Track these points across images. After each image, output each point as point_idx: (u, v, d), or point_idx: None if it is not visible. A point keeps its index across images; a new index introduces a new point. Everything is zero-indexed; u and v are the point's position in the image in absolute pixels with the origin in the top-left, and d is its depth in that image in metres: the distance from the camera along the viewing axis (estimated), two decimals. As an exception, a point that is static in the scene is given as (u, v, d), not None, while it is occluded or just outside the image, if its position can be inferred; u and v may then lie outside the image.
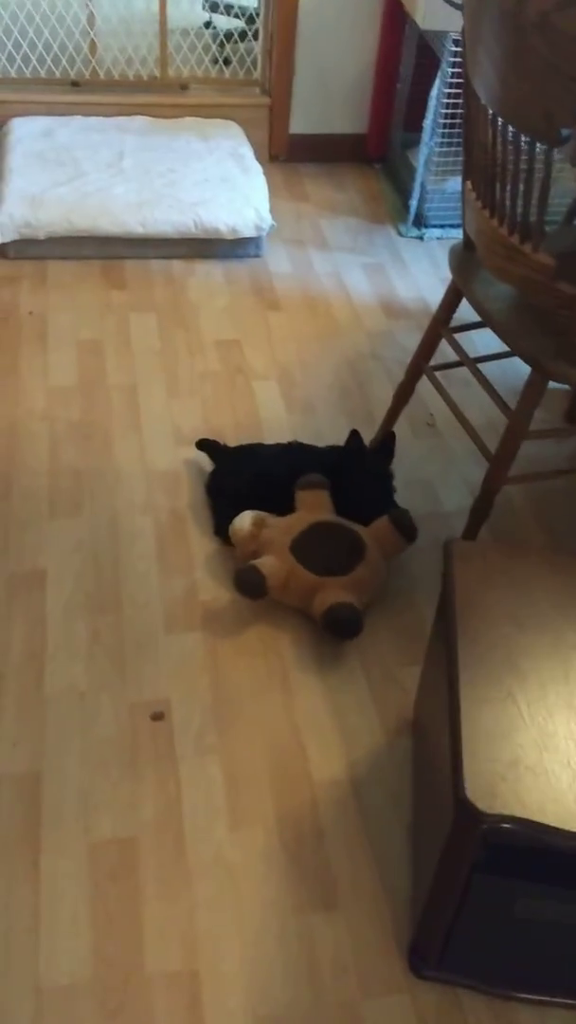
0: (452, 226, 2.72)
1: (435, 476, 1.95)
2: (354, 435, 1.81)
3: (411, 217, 2.72)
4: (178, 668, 1.53)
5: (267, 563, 1.60)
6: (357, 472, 1.80)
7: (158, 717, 1.45)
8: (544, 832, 0.98)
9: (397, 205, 2.84)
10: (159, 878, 1.28)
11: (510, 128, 1.33)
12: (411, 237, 2.71)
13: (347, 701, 1.51)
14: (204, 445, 1.88)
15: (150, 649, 1.56)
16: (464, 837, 1.04)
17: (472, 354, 1.85)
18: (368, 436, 2.04)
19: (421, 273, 2.57)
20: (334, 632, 1.55)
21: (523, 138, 1.32)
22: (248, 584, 1.58)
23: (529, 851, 1.01)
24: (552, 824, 0.98)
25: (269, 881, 1.28)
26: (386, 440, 1.84)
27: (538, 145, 1.30)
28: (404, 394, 1.92)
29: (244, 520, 1.68)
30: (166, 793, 1.36)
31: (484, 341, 2.15)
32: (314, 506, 1.72)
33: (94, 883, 1.27)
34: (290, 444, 1.89)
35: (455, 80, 2.47)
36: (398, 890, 1.28)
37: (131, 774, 1.38)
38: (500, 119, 1.35)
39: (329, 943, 1.23)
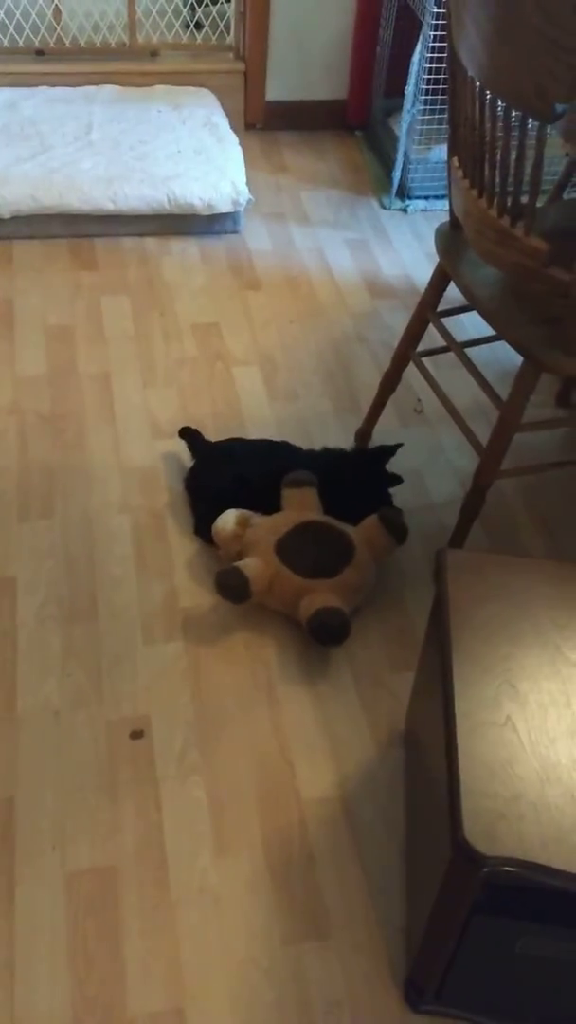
0: (437, 197, 2.61)
1: (424, 466, 1.87)
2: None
3: (394, 188, 2.60)
4: (158, 681, 1.46)
5: (251, 565, 1.53)
6: (348, 469, 1.72)
7: (137, 735, 1.38)
8: (547, 874, 0.92)
9: (379, 175, 2.72)
10: (140, 910, 1.21)
11: (499, 102, 1.23)
12: (394, 209, 2.60)
13: (336, 711, 1.44)
14: (186, 434, 1.79)
15: (128, 662, 1.49)
16: (462, 879, 0.98)
17: (462, 336, 1.77)
18: (354, 424, 1.95)
19: (405, 248, 2.47)
20: (320, 638, 1.48)
21: (513, 113, 1.22)
22: (231, 587, 1.51)
23: (531, 892, 0.95)
24: (555, 866, 0.92)
25: (257, 910, 1.22)
26: (383, 449, 1.74)
27: (530, 120, 1.21)
28: (390, 382, 1.83)
29: (228, 519, 1.60)
30: (147, 818, 1.30)
31: (474, 323, 2.06)
32: (301, 505, 1.64)
33: (72, 917, 1.20)
34: (275, 443, 1.80)
35: (437, 44, 2.34)
36: (392, 918, 1.23)
37: (110, 798, 1.32)
38: (488, 92, 1.25)
39: (320, 976, 1.17)
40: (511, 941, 1.02)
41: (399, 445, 1.74)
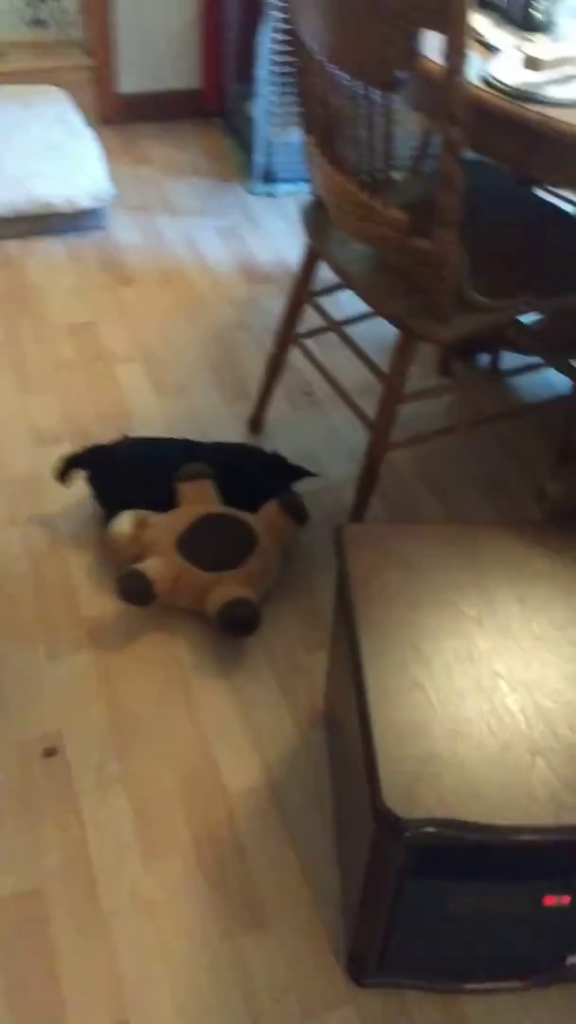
0: (303, 180, 2.62)
1: (319, 448, 1.88)
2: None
3: (258, 173, 2.60)
4: (67, 695, 1.42)
5: (152, 565, 1.50)
6: (243, 457, 1.70)
7: (51, 753, 1.34)
8: (467, 829, 0.93)
9: (242, 161, 2.71)
10: (73, 928, 1.18)
11: (344, 76, 1.24)
12: (261, 194, 2.59)
13: (255, 700, 1.44)
14: (77, 461, 1.66)
15: (33, 680, 1.44)
16: (388, 846, 0.98)
17: (342, 314, 1.77)
18: (246, 412, 1.94)
19: (277, 232, 2.46)
20: (231, 630, 1.47)
21: (359, 86, 1.23)
22: (134, 591, 1.48)
23: (456, 849, 0.96)
24: (476, 820, 0.93)
25: (192, 911, 1.21)
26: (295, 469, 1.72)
27: (377, 92, 1.21)
28: (276, 366, 1.83)
29: (123, 522, 1.57)
30: (69, 835, 1.26)
31: (353, 300, 2.08)
32: (198, 498, 1.62)
33: (1, 945, 1.16)
34: (173, 440, 1.77)
35: (283, 25, 2.34)
36: (329, 896, 1.23)
37: (28, 821, 1.28)
38: (332, 67, 1.25)
39: (264, 966, 1.16)
40: (444, 901, 1.03)
41: (310, 474, 1.72)
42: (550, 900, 1.02)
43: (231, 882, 1.23)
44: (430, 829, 0.93)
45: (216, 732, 1.39)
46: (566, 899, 1.02)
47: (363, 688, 1.04)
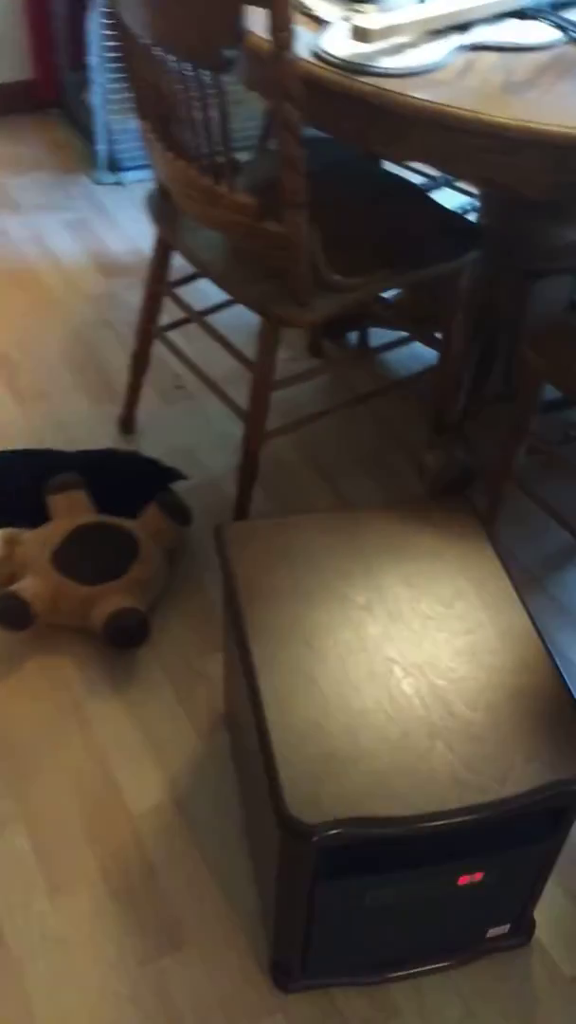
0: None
1: (196, 442, 1.83)
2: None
3: (102, 162, 2.51)
4: (-48, 732, 1.34)
5: (28, 586, 1.43)
6: (114, 462, 1.64)
7: None
8: (376, 825, 0.92)
9: (85, 151, 2.62)
10: (-18, 980, 1.12)
11: (171, 59, 1.18)
12: (109, 184, 2.50)
13: (152, 712, 1.39)
14: None
15: None
16: (296, 853, 0.96)
17: (205, 303, 1.72)
18: (114, 413, 1.87)
19: (129, 221, 2.38)
20: (120, 643, 1.41)
21: (188, 68, 1.17)
22: (9, 614, 1.40)
23: (366, 845, 0.95)
24: (382, 815, 0.92)
25: (106, 940, 1.16)
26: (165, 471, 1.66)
27: (207, 73, 1.16)
28: (141, 362, 1.77)
29: (-9, 542, 1.49)
30: (-32, 882, 1.19)
31: (215, 288, 2.02)
32: (71, 509, 1.55)
33: None
34: (38, 450, 1.69)
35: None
36: (247, 906, 1.20)
37: None
38: (158, 51, 1.20)
39: (187, 986, 1.12)
40: (360, 897, 1.01)
41: (181, 477, 1.67)
42: (464, 879, 1.02)
43: (144, 905, 1.19)
44: (337, 831, 0.91)
45: (114, 752, 1.34)
46: (479, 875, 1.02)
47: (257, 693, 1.01)
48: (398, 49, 1.14)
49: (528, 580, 1.60)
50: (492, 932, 1.14)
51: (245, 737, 1.15)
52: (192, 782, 1.31)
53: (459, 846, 0.99)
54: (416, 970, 1.13)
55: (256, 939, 1.16)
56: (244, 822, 1.26)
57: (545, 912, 1.19)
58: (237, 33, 1.07)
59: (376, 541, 1.18)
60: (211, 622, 1.51)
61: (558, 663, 1.06)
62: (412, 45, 1.14)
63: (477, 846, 1.00)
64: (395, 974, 1.12)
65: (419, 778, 0.94)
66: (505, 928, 1.14)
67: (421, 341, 1.74)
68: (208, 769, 1.32)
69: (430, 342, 1.72)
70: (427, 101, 1.07)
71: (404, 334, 1.73)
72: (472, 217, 1.86)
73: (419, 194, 1.59)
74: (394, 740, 0.97)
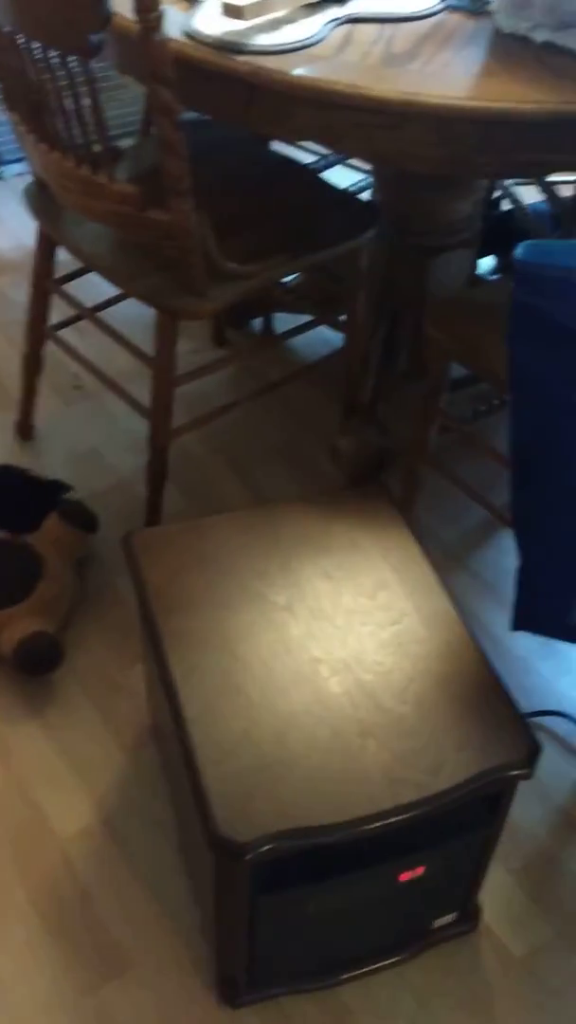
0: (36, 157, 2.44)
1: (101, 443, 1.76)
2: None
3: (-16, 157, 2.40)
4: None
5: None
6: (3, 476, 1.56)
7: None
8: (311, 834, 0.88)
9: (-34, 146, 2.50)
10: None
11: (37, 47, 1.11)
12: (-9, 179, 2.40)
13: (74, 734, 1.33)
14: None
15: None
16: (230, 872, 0.92)
17: (97, 298, 1.65)
18: (11, 419, 1.79)
19: (12, 216, 2.28)
20: (33, 669, 1.34)
21: (55, 55, 1.11)
22: None
23: (303, 855, 0.91)
24: (317, 823, 0.89)
25: (45, 974, 1.10)
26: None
27: (75, 60, 1.10)
28: (33, 364, 1.69)
29: None
30: None
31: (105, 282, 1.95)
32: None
33: None
34: None
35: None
36: (188, 922, 1.16)
37: None
38: (22, 39, 1.13)
39: (132, 1011, 1.08)
40: (302, 906, 0.98)
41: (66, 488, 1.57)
42: (406, 876, 1.00)
43: (81, 933, 1.14)
44: (270, 845, 0.88)
45: (36, 779, 1.28)
46: (420, 870, 1.00)
47: (178, 709, 0.97)
48: (274, 25, 1.09)
49: (450, 559, 1.59)
50: (438, 922, 1.12)
51: (171, 751, 1.11)
52: (121, 801, 1.26)
53: (398, 844, 0.97)
54: (365, 969, 1.11)
55: (200, 956, 1.13)
56: (179, 837, 1.22)
57: (489, 895, 1.18)
58: (102, 16, 1.01)
59: (293, 536, 1.15)
60: (130, 632, 1.46)
61: (483, 645, 1.05)
62: (288, 20, 1.10)
63: (416, 842, 0.98)
64: (344, 976, 1.10)
65: (352, 780, 0.92)
66: (451, 917, 1.13)
67: (326, 324, 1.70)
68: (137, 786, 1.27)
69: (335, 324, 1.69)
70: (307, 78, 1.03)
71: (309, 318, 1.69)
72: (367, 195, 1.83)
73: (311, 174, 1.55)
74: (325, 743, 0.94)
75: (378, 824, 0.89)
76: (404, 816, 0.90)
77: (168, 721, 1.03)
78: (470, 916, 1.15)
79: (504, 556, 1.60)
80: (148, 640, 1.08)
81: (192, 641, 1.03)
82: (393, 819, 0.90)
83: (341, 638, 1.03)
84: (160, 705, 1.13)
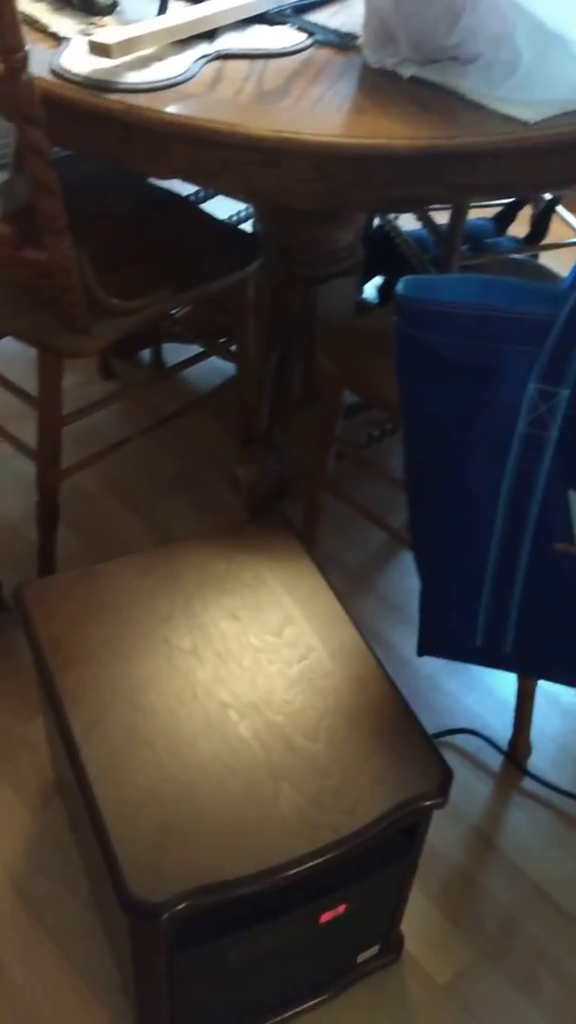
0: None
1: (-14, 486, 1.70)
2: None
3: None
4: None
5: None
6: None
7: None
8: (227, 888, 0.86)
9: None
10: None
11: None
12: None
13: (-24, 792, 1.27)
14: None
15: None
16: (145, 934, 0.89)
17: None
18: None
19: None
20: None
21: None
22: None
23: (220, 910, 0.89)
24: (232, 876, 0.87)
25: (-43, 1060, 1.05)
26: None
27: None
28: None
29: None
30: None
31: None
32: None
33: None
34: None
35: None
36: (107, 982, 1.12)
37: None
38: None
39: None
40: (223, 958, 0.96)
41: None
42: (326, 916, 0.99)
43: (-5, 1010, 1.09)
44: (185, 903, 0.85)
45: None
46: (341, 908, 0.99)
47: (81, 768, 0.93)
48: (143, 63, 1.08)
49: (354, 583, 1.60)
50: (362, 957, 1.12)
51: (78, 813, 1.07)
52: (29, 861, 1.21)
53: (317, 886, 0.96)
54: (291, 1012, 1.09)
55: (122, 1016, 1.09)
56: (91, 895, 1.18)
57: (410, 922, 1.18)
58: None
59: (196, 576, 1.13)
60: (29, 683, 1.41)
61: (391, 670, 1.05)
62: (157, 57, 1.09)
63: (336, 881, 0.97)
64: (270, 1021, 1.08)
65: (267, 828, 0.90)
66: (375, 950, 1.12)
67: (216, 354, 1.69)
68: (45, 844, 1.23)
69: (226, 354, 1.68)
70: (183, 116, 1.02)
71: (200, 348, 1.68)
72: (249, 224, 1.84)
73: (191, 206, 1.54)
74: (237, 792, 0.92)
75: (295, 871, 0.88)
76: (321, 859, 0.89)
77: (72, 780, 0.99)
78: (393, 947, 1.14)
79: (408, 576, 1.61)
80: (46, 697, 1.04)
81: (93, 695, 0.99)
82: (310, 864, 0.88)
83: (249, 679, 1.02)
84: (63, 762, 1.09)
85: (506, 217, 1.91)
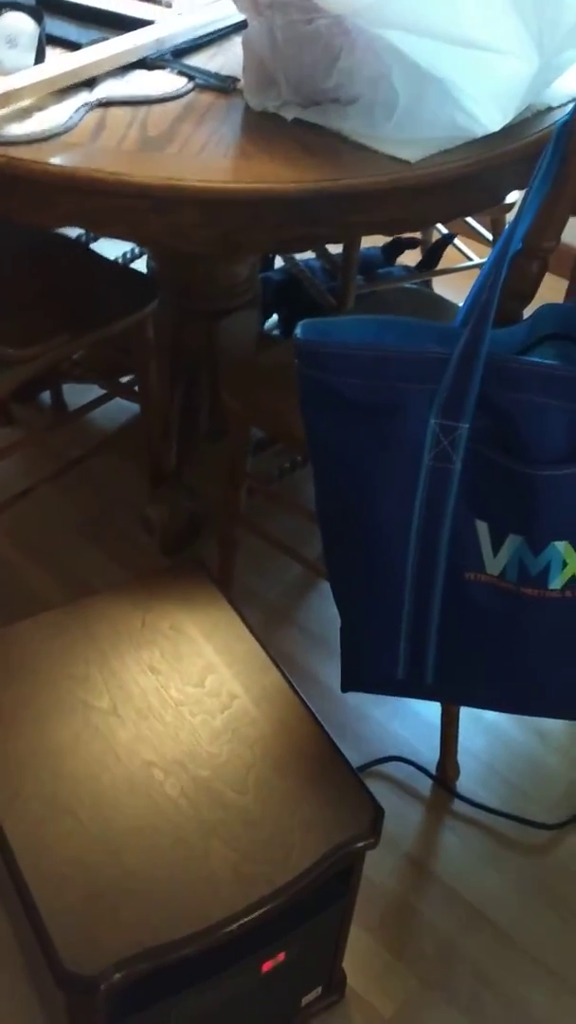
0: None
1: None
2: None
3: None
4: None
5: None
6: None
7: None
8: (163, 952, 0.84)
9: None
10: None
11: None
12: None
13: None
14: None
15: None
16: (83, 1006, 0.86)
17: None
18: None
19: None
20: None
21: None
22: None
23: (158, 973, 0.87)
24: (167, 940, 0.85)
25: None
26: None
27: None
28: None
29: None
30: None
31: None
32: None
33: None
34: None
35: None
36: (47, 1057, 1.08)
37: None
38: None
39: None
40: (164, 1019, 0.94)
41: None
42: (267, 966, 0.98)
43: None
44: (121, 972, 0.83)
45: None
46: (281, 956, 0.98)
47: (4, 841, 0.90)
48: (23, 114, 1.06)
49: (275, 617, 1.59)
50: (306, 999, 1.10)
51: (4, 882, 1.03)
52: (-41, 939, 1.16)
53: (256, 937, 0.94)
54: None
55: None
56: (27, 966, 1.14)
57: (351, 958, 1.17)
58: None
59: (110, 631, 1.10)
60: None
61: (316, 707, 1.04)
62: (37, 108, 1.07)
63: (274, 931, 0.95)
64: None
65: (201, 886, 0.88)
66: (318, 991, 1.11)
67: (119, 395, 1.67)
68: (-25, 918, 1.18)
69: (130, 394, 1.66)
70: (68, 167, 1.01)
71: (102, 389, 1.66)
72: (142, 262, 1.83)
73: (83, 248, 1.52)
74: (167, 853, 0.90)
75: (232, 927, 0.87)
76: (258, 913, 0.88)
77: (-3, 854, 0.96)
78: (336, 986, 1.14)
79: (328, 606, 1.61)
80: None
81: (10, 765, 0.96)
82: (247, 919, 0.87)
83: (173, 735, 1.00)
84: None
85: (395, 247, 1.95)
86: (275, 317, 1.92)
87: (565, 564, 0.93)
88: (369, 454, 0.97)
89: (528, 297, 0.98)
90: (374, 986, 1.16)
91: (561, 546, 0.92)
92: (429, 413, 0.92)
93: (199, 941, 0.85)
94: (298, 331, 0.92)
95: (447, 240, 1.95)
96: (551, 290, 1.00)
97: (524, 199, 0.90)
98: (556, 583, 0.93)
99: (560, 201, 0.90)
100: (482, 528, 0.96)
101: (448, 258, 2.05)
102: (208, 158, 1.05)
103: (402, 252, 1.96)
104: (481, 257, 2.12)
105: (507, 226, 0.93)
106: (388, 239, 1.95)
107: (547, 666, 1.00)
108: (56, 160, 1.02)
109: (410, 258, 2.02)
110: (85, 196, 1.04)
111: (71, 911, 0.86)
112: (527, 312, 1.00)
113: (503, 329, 0.93)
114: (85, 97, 1.11)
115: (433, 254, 1.94)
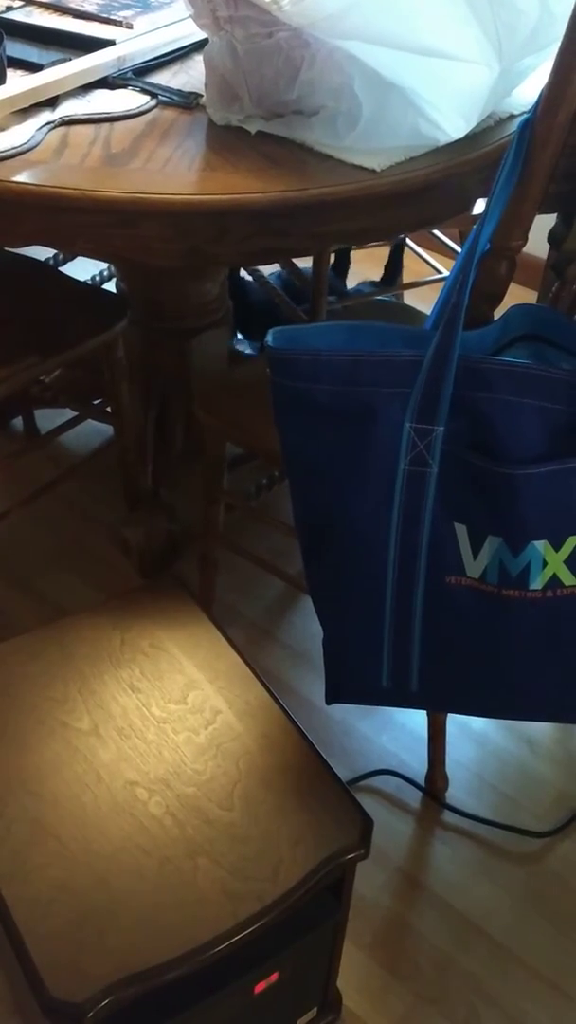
0: None
1: None
2: None
3: None
4: None
5: None
6: None
7: None
8: (152, 976, 0.82)
9: None
10: None
11: None
12: None
13: None
14: None
15: None
16: (72, 1039, 0.84)
17: None
18: None
19: None
20: None
21: None
22: None
23: (149, 996, 0.85)
24: (155, 963, 0.83)
25: None
26: None
27: None
28: None
29: None
30: None
31: None
32: None
33: None
34: None
35: None
36: None
37: None
38: None
39: None
40: (157, 1051, 0.91)
41: None
42: (260, 986, 0.95)
43: None
44: (110, 998, 0.80)
45: None
46: (274, 977, 0.96)
47: (-14, 870, 0.88)
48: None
49: (258, 634, 1.58)
50: (301, 1021, 1.08)
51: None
52: (-58, 976, 1.13)
53: (247, 957, 0.92)
54: None
55: None
56: (12, 995, 1.11)
57: (346, 976, 1.15)
58: None
59: (89, 652, 1.09)
60: None
61: (301, 722, 1.03)
62: None
63: (266, 950, 0.93)
64: None
65: (189, 906, 0.86)
66: (313, 1012, 1.09)
67: (91, 417, 1.66)
68: (-42, 954, 1.15)
69: (103, 416, 1.65)
70: (28, 184, 1.00)
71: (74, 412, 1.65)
72: (112, 283, 1.82)
73: (50, 270, 1.52)
74: (153, 873, 0.88)
75: (222, 947, 0.84)
76: (248, 931, 0.86)
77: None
78: (332, 1006, 1.11)
79: (310, 621, 1.60)
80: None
81: (-8, 790, 0.94)
82: (237, 937, 0.85)
83: (156, 753, 0.98)
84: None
85: (340, 261, 1.93)
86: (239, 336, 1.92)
87: (545, 564, 0.92)
88: (345, 461, 0.97)
89: (498, 298, 0.98)
90: (370, 1004, 1.14)
91: (540, 545, 0.91)
92: (403, 417, 0.91)
93: (188, 963, 0.83)
94: (269, 339, 0.92)
95: (399, 246, 1.95)
96: (520, 300, 1.00)
97: (489, 200, 0.90)
98: (537, 583, 0.92)
99: (525, 200, 0.90)
100: (461, 531, 0.95)
101: (417, 272, 2.06)
102: (173, 172, 1.05)
103: (348, 264, 1.95)
104: (450, 270, 2.14)
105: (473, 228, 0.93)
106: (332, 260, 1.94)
107: (531, 668, 0.99)
108: (19, 178, 1.02)
109: (374, 272, 2.03)
110: (50, 213, 1.03)
111: (56, 936, 0.83)
112: (497, 314, 1.00)
113: (475, 331, 0.93)
114: (47, 116, 1.11)
115: (394, 264, 1.95)
